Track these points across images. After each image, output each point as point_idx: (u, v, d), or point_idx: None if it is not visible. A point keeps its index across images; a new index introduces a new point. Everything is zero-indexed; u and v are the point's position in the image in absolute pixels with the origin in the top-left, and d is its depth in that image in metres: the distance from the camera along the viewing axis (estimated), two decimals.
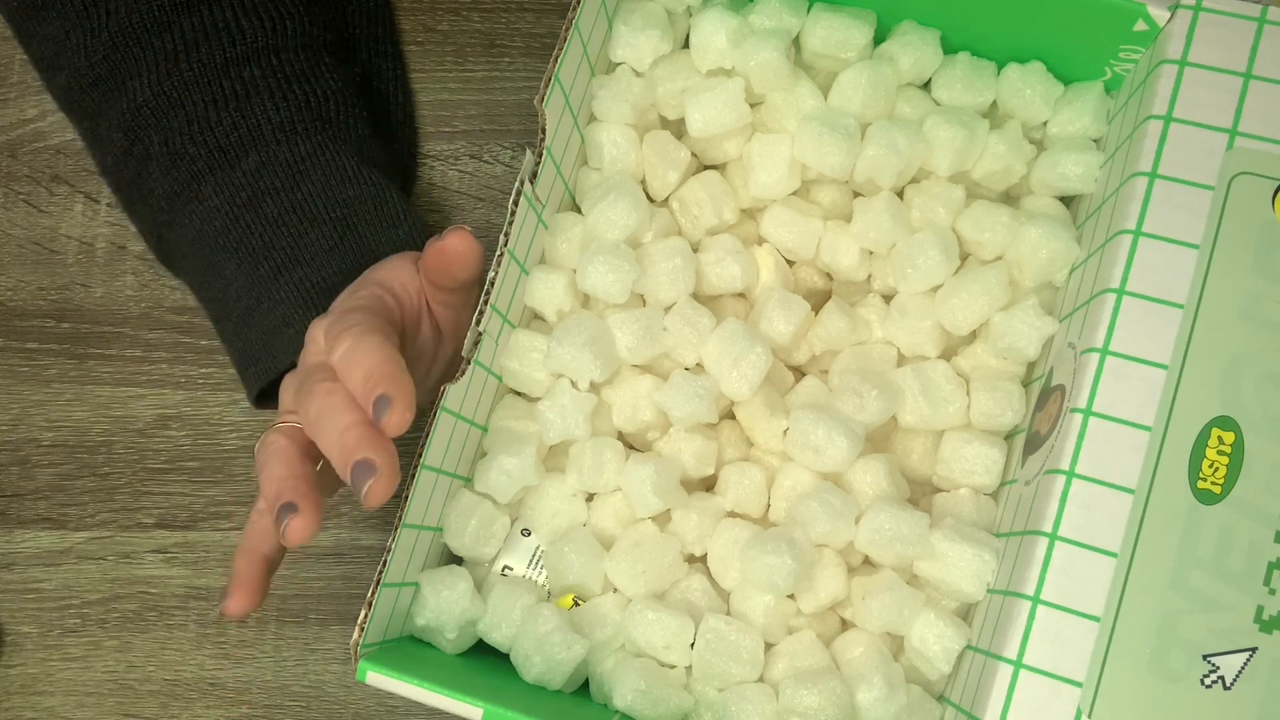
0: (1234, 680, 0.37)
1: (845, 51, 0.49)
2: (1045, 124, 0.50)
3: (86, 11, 0.49)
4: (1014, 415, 0.46)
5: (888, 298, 0.49)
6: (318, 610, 0.57)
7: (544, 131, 0.45)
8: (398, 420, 0.38)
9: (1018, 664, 0.38)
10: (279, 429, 0.43)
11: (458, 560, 0.48)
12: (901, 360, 0.49)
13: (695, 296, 0.48)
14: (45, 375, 0.60)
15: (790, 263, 0.51)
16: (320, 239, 0.48)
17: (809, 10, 0.50)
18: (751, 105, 0.49)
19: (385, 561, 0.41)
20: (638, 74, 0.50)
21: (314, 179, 0.49)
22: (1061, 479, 0.40)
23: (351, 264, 0.48)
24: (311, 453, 0.42)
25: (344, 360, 0.40)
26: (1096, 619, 0.38)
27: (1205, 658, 0.38)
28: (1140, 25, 0.45)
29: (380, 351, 0.40)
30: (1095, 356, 0.41)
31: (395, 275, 0.46)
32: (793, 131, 0.49)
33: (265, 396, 0.51)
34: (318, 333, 0.44)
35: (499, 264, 0.43)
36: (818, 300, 0.50)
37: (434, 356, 0.48)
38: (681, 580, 0.46)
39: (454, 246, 0.43)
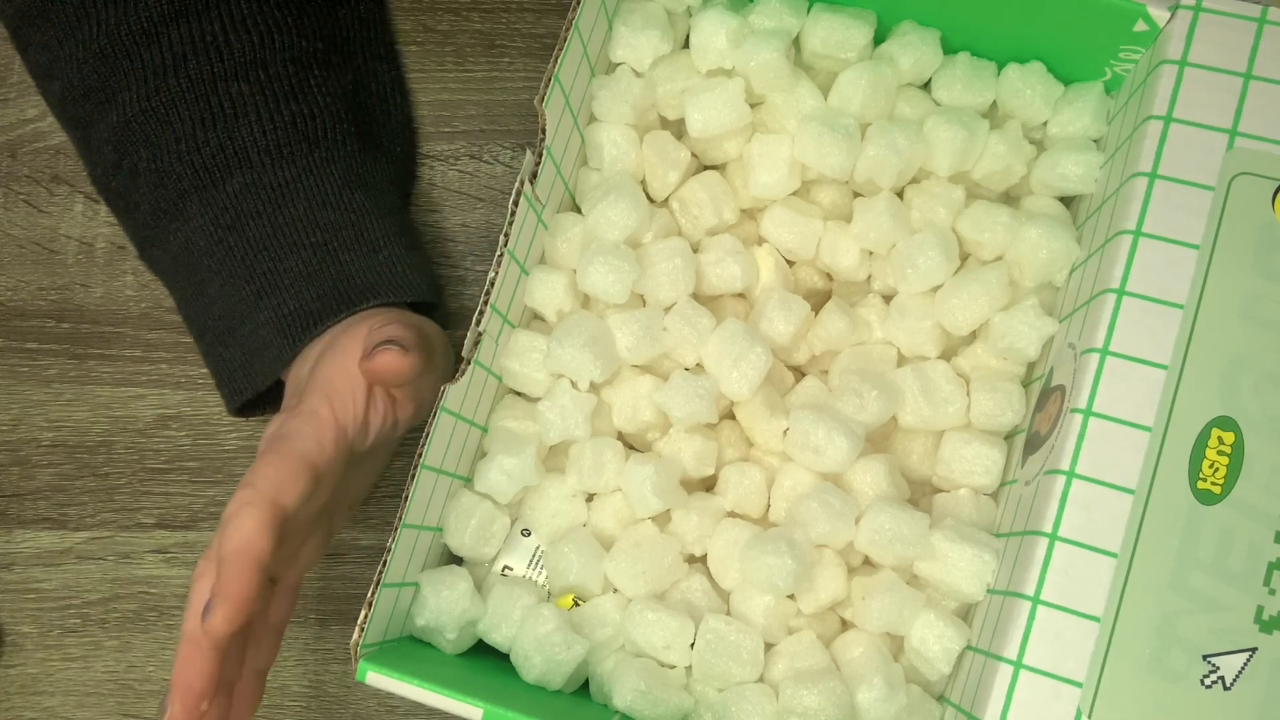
0: (1234, 680, 0.37)
1: (845, 52, 0.49)
2: (1045, 124, 0.50)
3: (77, 21, 0.49)
4: (1014, 415, 0.46)
5: (888, 298, 0.49)
6: (318, 610, 0.56)
7: (544, 131, 0.45)
8: (218, 624, 0.39)
9: (1018, 664, 0.38)
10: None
11: (458, 560, 0.48)
12: (901, 360, 0.49)
13: (695, 297, 0.48)
14: (45, 375, 0.59)
15: (790, 263, 0.51)
16: (299, 265, 0.48)
17: (809, 10, 0.50)
18: (751, 105, 0.49)
19: (385, 561, 0.41)
20: (638, 74, 0.50)
21: (297, 204, 0.49)
22: (1061, 479, 0.40)
23: (330, 290, 0.48)
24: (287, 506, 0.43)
25: (229, 513, 0.41)
26: (1096, 619, 0.38)
27: (1205, 658, 0.38)
28: (1140, 25, 0.45)
29: (236, 543, 0.40)
30: (1095, 357, 0.41)
31: (338, 371, 0.45)
32: (793, 132, 0.49)
33: (251, 406, 0.52)
34: (272, 427, 0.44)
35: (499, 264, 0.43)
36: (818, 300, 0.50)
37: (394, 426, 0.47)
38: (681, 580, 0.46)
39: (382, 366, 0.43)
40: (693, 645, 0.44)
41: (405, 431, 0.49)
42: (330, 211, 0.50)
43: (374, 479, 0.52)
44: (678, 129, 0.51)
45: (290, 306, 0.48)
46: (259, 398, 0.51)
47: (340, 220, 0.50)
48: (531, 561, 0.47)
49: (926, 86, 0.51)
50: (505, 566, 0.47)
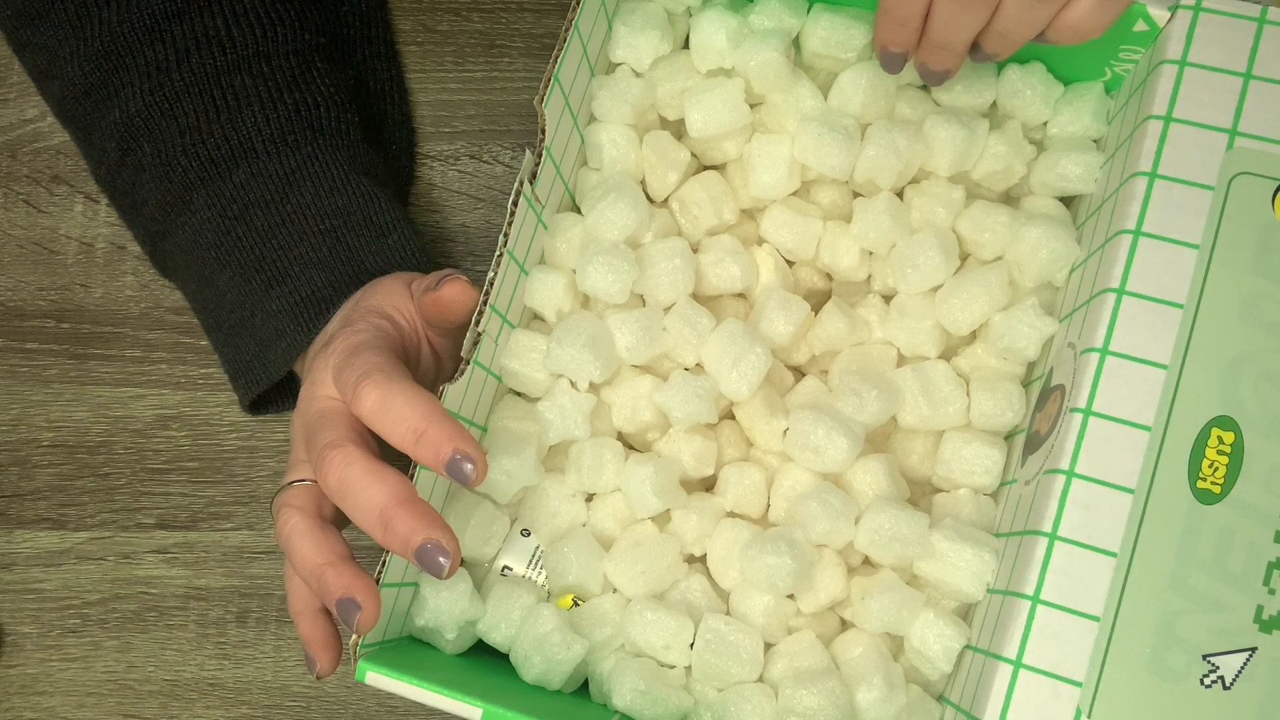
0: (1233, 680, 0.37)
1: (845, 52, 0.49)
2: (1045, 124, 0.50)
3: (79, 20, 0.49)
4: (1014, 415, 0.46)
5: (888, 298, 0.49)
6: None
7: (544, 132, 0.45)
8: (481, 475, 0.38)
9: (1017, 664, 0.38)
10: (289, 502, 0.43)
11: None
12: (901, 360, 0.49)
13: (695, 297, 0.48)
14: (45, 375, 0.60)
15: (790, 263, 0.51)
16: (309, 251, 0.49)
17: (809, 11, 0.50)
18: (751, 106, 0.49)
19: (385, 562, 0.41)
20: (637, 74, 0.50)
21: (304, 191, 0.49)
22: (1061, 479, 0.40)
23: (341, 275, 0.48)
24: (329, 515, 0.43)
25: (379, 415, 0.39)
26: (1096, 619, 0.38)
27: (1205, 658, 0.38)
28: (1140, 25, 0.45)
29: (420, 403, 0.39)
30: (1095, 356, 0.41)
31: (390, 300, 0.45)
32: (792, 132, 0.49)
33: (258, 404, 0.52)
34: (324, 374, 0.43)
35: (498, 264, 0.43)
36: (817, 300, 0.50)
37: (435, 379, 0.47)
38: (681, 580, 0.46)
39: (450, 297, 0.43)
40: (692, 645, 0.44)
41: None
42: (337, 197, 0.50)
43: None
44: (677, 129, 0.51)
45: (302, 293, 0.48)
46: (271, 394, 0.51)
47: (348, 205, 0.50)
48: (531, 562, 0.47)
49: (926, 87, 0.51)
50: (505, 567, 0.47)
